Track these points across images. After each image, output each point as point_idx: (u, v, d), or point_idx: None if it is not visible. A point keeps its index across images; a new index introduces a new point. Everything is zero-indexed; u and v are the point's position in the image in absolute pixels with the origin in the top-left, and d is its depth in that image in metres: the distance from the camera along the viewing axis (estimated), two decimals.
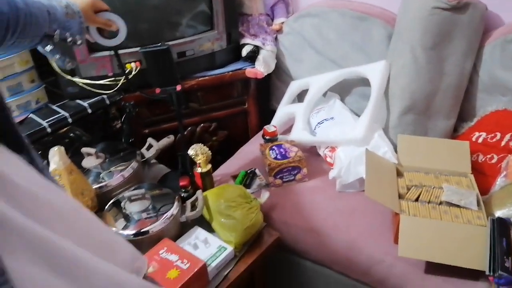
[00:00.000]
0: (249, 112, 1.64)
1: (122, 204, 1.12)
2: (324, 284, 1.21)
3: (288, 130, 1.50)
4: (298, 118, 1.43)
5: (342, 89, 1.48)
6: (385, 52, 1.34)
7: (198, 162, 1.21)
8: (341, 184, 1.26)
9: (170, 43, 1.35)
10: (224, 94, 1.57)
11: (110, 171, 1.22)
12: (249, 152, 1.52)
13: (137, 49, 1.31)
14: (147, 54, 1.05)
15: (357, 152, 1.22)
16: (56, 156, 1.01)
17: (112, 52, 1.13)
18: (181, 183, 1.20)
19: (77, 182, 1.05)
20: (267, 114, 1.73)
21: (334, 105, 1.45)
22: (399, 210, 1.06)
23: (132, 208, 1.09)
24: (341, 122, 1.37)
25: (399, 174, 1.19)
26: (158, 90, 1.08)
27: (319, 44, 1.48)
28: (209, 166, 1.23)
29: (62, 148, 1.02)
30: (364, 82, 1.39)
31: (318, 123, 1.40)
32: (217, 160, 1.44)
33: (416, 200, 1.10)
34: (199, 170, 1.22)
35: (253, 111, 1.64)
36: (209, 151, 1.22)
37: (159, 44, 1.06)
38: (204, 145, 1.21)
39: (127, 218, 1.08)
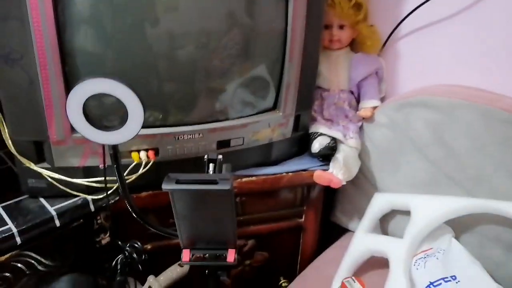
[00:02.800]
0: (305, 229, 1.09)
1: None
2: None
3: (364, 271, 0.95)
4: (397, 269, 0.88)
5: (458, 221, 0.94)
6: None
7: None
8: None
9: (208, 126, 0.84)
10: (274, 201, 1.03)
11: None
12: None
13: (152, 130, 0.79)
14: (181, 195, 0.52)
15: None
16: None
17: None
18: None
19: None
20: (326, 229, 1.19)
21: (451, 250, 0.91)
22: None
23: None
24: None
25: None
26: (186, 255, 0.55)
27: (435, 151, 0.96)
28: None
29: None
30: (503, 221, 0.86)
31: (431, 283, 0.85)
32: None
33: None
34: None
35: (312, 228, 1.10)
36: None
37: (208, 174, 0.53)
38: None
39: None
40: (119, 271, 0.70)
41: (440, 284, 0.85)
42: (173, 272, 0.91)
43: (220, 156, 0.64)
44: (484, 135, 0.89)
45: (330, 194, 1.17)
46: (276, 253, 1.11)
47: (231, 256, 0.55)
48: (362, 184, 1.12)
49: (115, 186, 0.79)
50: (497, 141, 0.88)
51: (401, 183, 1.04)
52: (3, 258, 0.72)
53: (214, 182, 0.50)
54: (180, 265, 0.92)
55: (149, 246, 0.96)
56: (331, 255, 1.09)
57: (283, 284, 1.12)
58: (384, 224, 1.08)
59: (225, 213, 0.52)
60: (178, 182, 0.51)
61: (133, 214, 0.70)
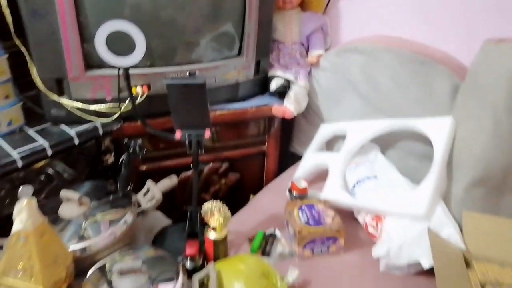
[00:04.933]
0: (268, 155, 1.37)
1: (109, 276, 0.83)
2: None
3: (314, 183, 1.24)
4: (334, 172, 1.17)
5: (383, 141, 1.24)
6: (448, 107, 1.10)
7: (212, 225, 0.93)
8: (388, 264, 1.00)
9: (187, 67, 1.10)
10: (242, 131, 1.30)
11: (96, 222, 0.93)
12: (266, 204, 1.24)
13: (145, 70, 1.04)
14: (174, 88, 0.78)
15: (415, 231, 0.97)
16: (24, 212, 0.72)
17: (116, 71, 0.87)
18: (188, 252, 0.91)
19: (49, 246, 0.76)
20: (286, 158, 1.47)
21: (376, 160, 1.21)
22: None
23: (123, 285, 0.81)
24: (388, 184, 1.12)
25: (467, 263, 0.94)
26: (178, 134, 0.81)
27: (365, 87, 1.24)
28: (226, 230, 0.95)
29: (34, 201, 0.74)
30: (416, 137, 1.16)
31: (358, 181, 1.15)
32: None
33: None
34: (212, 236, 0.94)
35: (273, 153, 1.38)
36: (229, 212, 0.94)
37: (190, 76, 0.80)
38: (223, 203, 0.94)
39: None
40: (123, 167, 0.96)
41: (364, 181, 1.15)
42: (165, 183, 1.18)
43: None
44: (399, 70, 1.18)
45: (288, 129, 1.45)
46: (246, 174, 1.39)
47: (207, 133, 0.84)
48: (312, 118, 1.40)
49: (117, 113, 1.04)
50: (407, 75, 1.17)
51: (342, 115, 1.32)
52: (38, 165, 0.97)
53: (193, 79, 0.77)
54: (170, 178, 1.19)
55: (144, 167, 1.23)
56: (288, 174, 1.38)
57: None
58: (328, 149, 1.37)
59: (202, 102, 0.79)
60: (172, 80, 0.77)
61: (139, 119, 0.95)
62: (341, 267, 1.03)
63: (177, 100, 0.79)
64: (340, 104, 1.32)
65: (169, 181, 1.17)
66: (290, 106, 1.24)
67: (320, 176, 1.26)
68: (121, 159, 0.95)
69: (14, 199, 0.86)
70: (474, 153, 1.01)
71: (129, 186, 0.97)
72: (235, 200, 1.32)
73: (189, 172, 1.28)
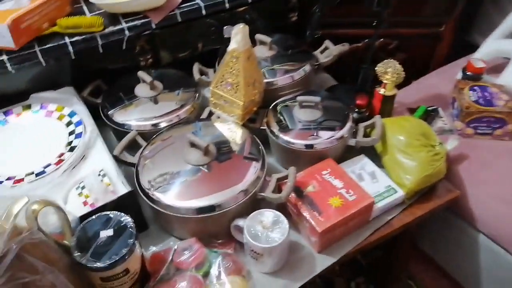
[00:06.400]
0: (442, 39, 1.33)
1: (289, 105, 0.99)
2: (494, 266, 1.00)
3: (492, 70, 1.18)
4: None
5: None
6: None
7: (384, 82, 1.00)
8: None
9: None
10: (420, 8, 1.27)
11: (277, 68, 1.07)
12: (431, 85, 1.25)
13: None
14: None
15: None
16: (240, 34, 0.87)
17: None
18: (358, 102, 1.01)
19: (251, 70, 0.92)
20: (460, 47, 1.41)
21: None
22: None
23: (301, 115, 0.95)
24: None
25: None
26: None
27: None
28: (395, 90, 1.02)
29: (247, 27, 0.88)
30: None
31: None
32: None
33: None
34: (382, 91, 1.01)
35: (448, 38, 1.33)
36: (403, 73, 0.99)
37: None
38: (399, 63, 0.99)
39: (289, 123, 0.95)
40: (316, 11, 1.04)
41: None
42: (339, 48, 1.25)
43: None
44: None
45: (471, 14, 1.36)
46: (413, 57, 1.38)
47: None
48: (503, 3, 1.28)
49: None
50: None
51: None
52: (241, 9, 1.13)
53: None
54: (343, 45, 1.26)
55: (319, 32, 1.31)
56: (460, 63, 1.32)
57: None
58: None
59: None
60: None
61: None
62: (503, 151, 1.03)
63: None
64: None
65: (342, 47, 1.24)
66: None
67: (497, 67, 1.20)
68: (314, 7, 1.04)
69: (220, 35, 1.04)
70: None
71: (316, 32, 1.06)
72: None
73: (359, 44, 1.33)
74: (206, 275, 0.75)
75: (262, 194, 0.82)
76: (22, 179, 0.79)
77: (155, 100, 0.99)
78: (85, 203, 0.76)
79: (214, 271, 0.75)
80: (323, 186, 0.86)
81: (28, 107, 0.95)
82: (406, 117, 1.03)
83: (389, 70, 0.98)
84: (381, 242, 0.90)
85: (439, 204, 0.93)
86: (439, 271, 1.19)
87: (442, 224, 1.09)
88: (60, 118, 0.93)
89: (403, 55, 1.38)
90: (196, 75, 1.05)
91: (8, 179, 0.80)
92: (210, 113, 0.99)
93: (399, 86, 1.02)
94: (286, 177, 0.83)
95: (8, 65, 0.89)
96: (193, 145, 0.82)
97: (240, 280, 0.74)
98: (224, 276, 0.74)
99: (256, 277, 0.79)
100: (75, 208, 0.75)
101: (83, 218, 0.72)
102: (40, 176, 0.80)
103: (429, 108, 1.14)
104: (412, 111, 1.14)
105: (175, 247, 0.79)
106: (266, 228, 0.77)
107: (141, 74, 0.98)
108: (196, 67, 1.07)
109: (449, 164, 1.00)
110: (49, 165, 0.82)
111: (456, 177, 1.01)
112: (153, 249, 0.80)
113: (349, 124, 0.94)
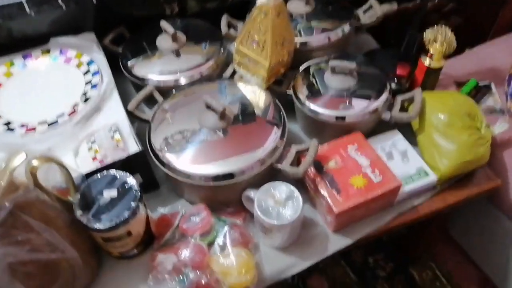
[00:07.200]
0: (508, 1, 1.16)
1: (322, 68, 0.90)
2: None
3: None
4: None
5: None
6: None
7: (431, 52, 0.88)
8: None
9: None
10: None
11: (313, 26, 0.97)
12: (487, 56, 1.11)
13: None
14: None
15: None
16: None
17: None
18: (399, 71, 0.91)
19: (281, 28, 0.83)
20: None
21: None
22: None
23: (333, 82, 0.87)
24: None
25: None
26: None
27: None
28: (443, 62, 0.90)
29: None
30: None
31: None
32: None
33: None
34: (427, 62, 0.89)
35: None
36: (455, 42, 0.87)
37: None
38: (452, 31, 0.86)
39: (318, 89, 0.86)
40: None
41: None
42: (386, 7, 1.12)
43: None
44: None
45: None
46: (470, 22, 1.23)
47: None
48: None
49: None
50: None
51: None
52: None
53: None
54: (391, 4, 1.12)
55: None
56: None
57: None
58: None
59: None
60: None
61: None
62: None
63: None
64: None
65: (389, 7, 1.11)
66: None
67: None
68: None
69: None
70: None
71: None
72: None
73: (410, 5, 1.19)
74: (211, 244, 0.73)
75: (279, 165, 0.76)
76: (34, 128, 0.78)
77: (177, 53, 0.92)
78: (94, 159, 0.74)
79: (219, 241, 0.72)
80: (346, 162, 0.79)
81: (47, 51, 0.91)
82: (451, 92, 0.92)
83: (438, 38, 0.86)
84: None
85: (476, 192, 0.85)
86: (465, 257, 1.12)
87: (476, 211, 1.00)
88: (78, 65, 0.89)
89: (458, 19, 1.23)
90: (224, 28, 0.97)
91: (22, 126, 0.78)
92: (234, 72, 0.92)
93: (450, 54, 0.90)
94: (307, 149, 0.77)
95: (26, 7, 0.85)
96: (209, 107, 0.76)
97: (245, 253, 0.71)
98: (230, 248, 0.70)
99: (263, 251, 0.75)
100: (84, 163, 0.73)
101: (90, 175, 0.70)
102: (52, 127, 0.77)
103: (480, 83, 1.01)
104: (460, 85, 1.02)
105: (183, 211, 0.76)
106: (278, 203, 0.72)
107: (163, 24, 0.92)
108: (224, 19, 0.98)
109: (494, 149, 0.89)
110: (62, 114, 0.80)
111: (499, 164, 0.91)
112: (161, 210, 0.78)
113: (385, 95, 0.85)
